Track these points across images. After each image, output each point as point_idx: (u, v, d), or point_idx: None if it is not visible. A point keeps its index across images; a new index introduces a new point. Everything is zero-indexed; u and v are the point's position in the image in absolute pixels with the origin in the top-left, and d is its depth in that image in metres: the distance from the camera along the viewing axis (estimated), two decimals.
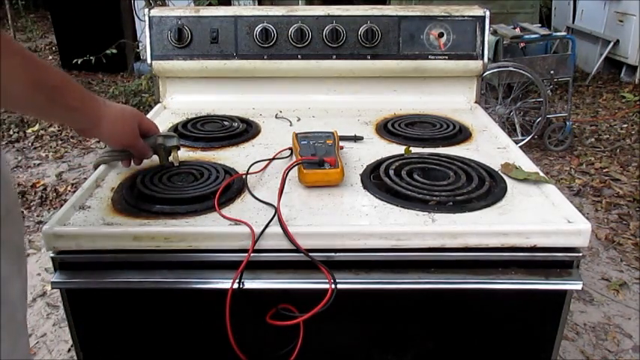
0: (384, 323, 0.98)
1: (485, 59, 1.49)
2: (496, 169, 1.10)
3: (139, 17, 5.00)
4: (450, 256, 0.90)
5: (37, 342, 2.05)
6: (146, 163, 1.10)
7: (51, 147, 3.91)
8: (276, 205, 0.93)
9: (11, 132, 4.12)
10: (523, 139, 3.79)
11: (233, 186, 1.02)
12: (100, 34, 4.98)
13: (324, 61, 1.48)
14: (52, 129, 4.19)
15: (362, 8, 1.49)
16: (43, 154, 3.79)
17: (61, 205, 0.93)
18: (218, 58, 1.48)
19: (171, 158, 1.10)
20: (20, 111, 0.78)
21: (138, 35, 5.08)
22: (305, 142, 1.12)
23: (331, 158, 1.03)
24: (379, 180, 1.03)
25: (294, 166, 1.03)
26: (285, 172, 1.01)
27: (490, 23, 1.49)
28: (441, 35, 1.47)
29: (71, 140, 4.02)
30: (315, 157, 1.03)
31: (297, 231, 0.88)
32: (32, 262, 2.54)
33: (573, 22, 5.92)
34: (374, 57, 1.48)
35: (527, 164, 1.11)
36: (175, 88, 1.56)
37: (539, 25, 4.67)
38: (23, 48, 0.75)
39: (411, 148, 1.19)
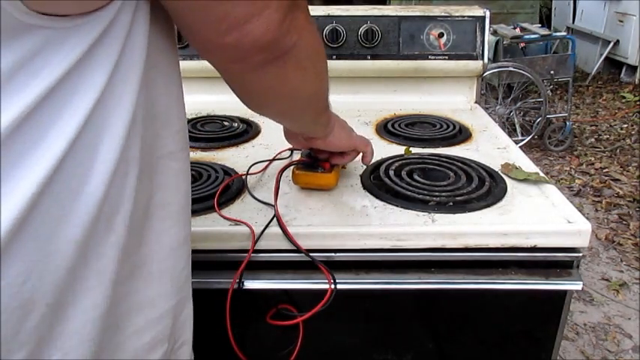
0: (384, 323, 0.98)
1: (486, 59, 1.49)
2: (496, 170, 1.09)
3: None
4: (450, 257, 0.90)
5: None
6: None
7: None
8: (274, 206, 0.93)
9: None
10: (523, 139, 3.80)
11: (233, 186, 1.02)
12: None
13: None
14: None
15: (362, 8, 1.49)
16: None
17: None
18: None
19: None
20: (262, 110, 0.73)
21: None
22: None
23: (326, 162, 1.01)
24: (379, 180, 1.03)
25: (287, 167, 1.02)
26: (279, 173, 1.00)
27: (490, 23, 1.49)
28: (441, 35, 1.47)
29: None
30: (309, 159, 1.02)
31: (297, 231, 0.88)
32: None
33: (573, 22, 5.93)
34: (374, 57, 1.48)
35: (527, 164, 1.11)
36: None
37: (539, 25, 4.68)
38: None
39: (411, 149, 1.19)
